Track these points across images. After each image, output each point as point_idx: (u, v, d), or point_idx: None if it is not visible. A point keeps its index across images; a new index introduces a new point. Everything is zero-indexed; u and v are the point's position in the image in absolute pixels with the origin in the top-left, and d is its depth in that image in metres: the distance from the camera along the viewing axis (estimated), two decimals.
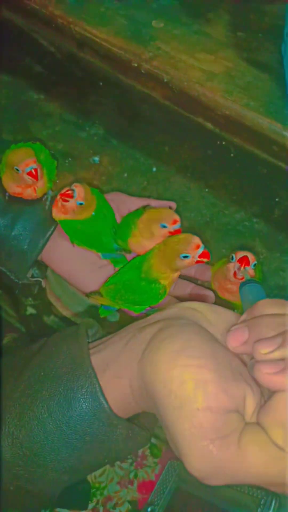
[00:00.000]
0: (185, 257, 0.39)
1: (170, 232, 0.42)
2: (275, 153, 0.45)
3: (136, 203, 0.49)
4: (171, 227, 0.42)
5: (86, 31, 0.45)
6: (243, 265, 0.41)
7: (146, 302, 0.42)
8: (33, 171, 0.44)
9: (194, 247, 0.39)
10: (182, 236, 0.40)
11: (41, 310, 0.96)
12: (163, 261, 0.40)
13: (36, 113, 0.61)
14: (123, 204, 0.49)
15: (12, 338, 0.55)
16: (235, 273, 0.41)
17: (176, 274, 0.42)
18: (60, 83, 0.63)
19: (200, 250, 0.39)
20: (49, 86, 0.63)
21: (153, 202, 0.50)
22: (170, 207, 0.48)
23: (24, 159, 0.44)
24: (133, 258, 0.45)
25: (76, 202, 0.43)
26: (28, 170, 0.44)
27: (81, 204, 0.43)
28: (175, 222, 0.42)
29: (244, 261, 0.41)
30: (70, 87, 0.63)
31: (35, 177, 0.44)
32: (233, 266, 0.41)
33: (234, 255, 0.42)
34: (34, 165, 0.44)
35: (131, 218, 0.45)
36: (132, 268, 0.43)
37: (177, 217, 0.42)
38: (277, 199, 0.55)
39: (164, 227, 0.42)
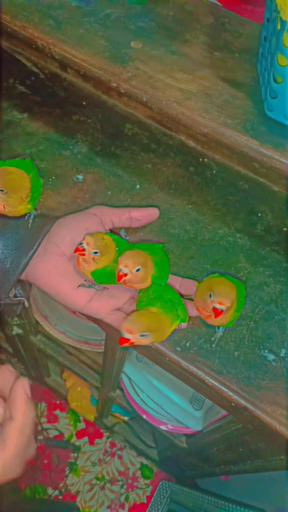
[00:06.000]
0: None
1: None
2: (255, 169, 0.46)
3: (117, 213, 0.49)
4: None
5: (65, 52, 0.46)
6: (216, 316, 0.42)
7: None
8: None
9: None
10: None
11: (28, 329, 0.95)
12: None
13: (20, 132, 0.62)
14: (105, 216, 0.49)
15: None
16: (215, 311, 0.42)
17: None
18: (44, 103, 0.64)
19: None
20: (32, 105, 0.64)
21: (134, 211, 0.50)
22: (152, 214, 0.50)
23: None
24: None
25: (91, 252, 0.43)
26: None
27: (96, 253, 0.43)
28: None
29: (216, 313, 0.42)
30: (54, 107, 0.64)
31: None
32: (211, 303, 0.42)
33: (212, 294, 0.42)
34: None
35: None
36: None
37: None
38: (259, 214, 0.55)
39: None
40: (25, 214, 0.49)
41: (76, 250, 0.43)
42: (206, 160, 0.52)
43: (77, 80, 0.53)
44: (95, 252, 0.43)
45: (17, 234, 0.47)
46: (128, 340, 0.39)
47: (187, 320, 0.45)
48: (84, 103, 0.60)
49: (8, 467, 0.34)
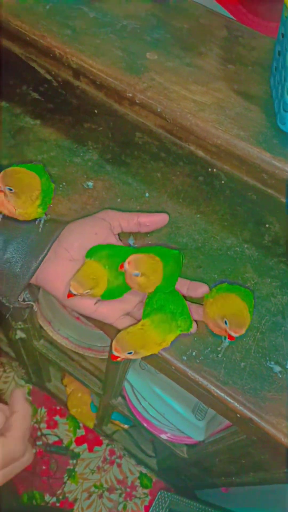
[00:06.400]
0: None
1: None
2: (264, 180, 0.46)
3: (126, 218, 0.50)
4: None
5: (82, 61, 0.47)
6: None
7: None
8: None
9: None
10: None
11: (31, 334, 0.95)
12: None
13: (32, 139, 0.62)
14: (114, 221, 0.49)
15: None
16: (229, 336, 0.44)
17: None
18: (56, 110, 0.65)
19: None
20: (45, 112, 0.65)
21: (143, 216, 0.50)
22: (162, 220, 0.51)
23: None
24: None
25: (83, 293, 0.44)
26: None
27: (88, 291, 0.44)
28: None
29: (231, 338, 0.44)
30: (66, 114, 0.64)
31: None
32: (226, 330, 0.43)
33: (227, 322, 0.43)
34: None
35: None
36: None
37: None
38: (267, 225, 0.56)
39: None
40: (36, 219, 0.49)
41: (68, 295, 0.44)
42: (215, 170, 0.53)
43: (89, 88, 0.54)
44: (87, 292, 0.44)
45: (28, 239, 0.47)
46: (118, 357, 0.42)
47: (190, 329, 0.45)
48: (96, 111, 0.61)
49: (17, 447, 0.38)
